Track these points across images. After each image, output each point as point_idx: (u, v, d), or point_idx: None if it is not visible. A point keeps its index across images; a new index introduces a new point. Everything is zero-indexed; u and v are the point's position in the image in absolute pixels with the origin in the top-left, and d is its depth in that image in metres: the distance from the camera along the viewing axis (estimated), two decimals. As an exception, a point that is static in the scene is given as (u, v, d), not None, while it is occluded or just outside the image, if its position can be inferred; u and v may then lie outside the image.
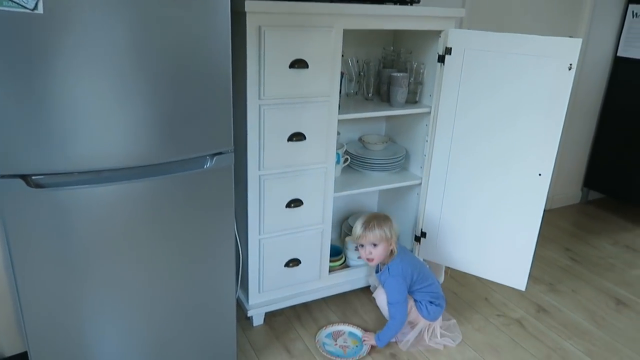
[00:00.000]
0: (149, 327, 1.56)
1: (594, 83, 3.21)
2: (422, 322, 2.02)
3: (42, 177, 1.28)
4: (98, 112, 1.27)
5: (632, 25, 3.05)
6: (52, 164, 1.27)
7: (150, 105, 1.33)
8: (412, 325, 2.03)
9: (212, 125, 1.45)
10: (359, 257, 2.10)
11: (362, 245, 1.98)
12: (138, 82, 1.29)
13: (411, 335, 2.02)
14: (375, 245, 1.95)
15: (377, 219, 1.98)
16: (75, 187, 1.32)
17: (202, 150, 1.46)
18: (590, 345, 2.10)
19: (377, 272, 2.05)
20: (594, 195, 3.57)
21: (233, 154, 1.52)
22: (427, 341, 2.02)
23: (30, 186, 1.27)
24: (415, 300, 2.02)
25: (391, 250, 1.98)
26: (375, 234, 1.94)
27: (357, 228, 1.98)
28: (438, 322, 2.06)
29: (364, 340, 2.02)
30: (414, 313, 2.01)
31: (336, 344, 2.03)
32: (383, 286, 1.99)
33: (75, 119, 1.26)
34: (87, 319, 1.45)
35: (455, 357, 1.99)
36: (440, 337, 2.05)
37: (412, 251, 2.31)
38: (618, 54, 3.15)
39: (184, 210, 1.49)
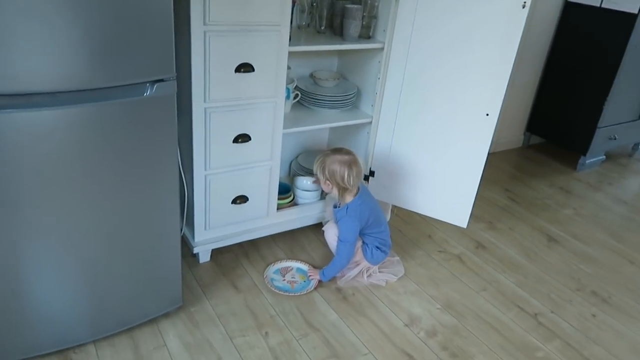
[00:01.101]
0: (90, 265, 1.50)
1: (543, 28, 3.25)
2: (364, 264, 2.07)
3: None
4: (23, 28, 1.14)
5: (584, -31, 3.07)
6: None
7: (81, 23, 1.21)
8: (356, 264, 2.07)
9: (152, 49, 1.34)
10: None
11: None
12: (65, -5, 1.16)
13: (352, 273, 2.07)
14: (326, 184, 1.96)
15: (320, 160, 1.95)
16: (1, 111, 1.19)
17: (142, 76, 1.36)
18: (522, 277, 2.24)
19: (335, 207, 2.05)
20: (535, 139, 3.71)
21: (175, 82, 1.42)
22: (364, 280, 2.08)
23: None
24: (363, 243, 2.06)
25: (348, 189, 1.95)
26: (316, 172, 1.97)
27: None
28: (377, 265, 2.12)
29: (310, 276, 2.05)
30: (359, 254, 2.06)
31: (284, 280, 2.05)
32: (337, 222, 2.00)
33: (-7, 34, 1.12)
34: (22, 256, 1.37)
35: (397, 290, 2.07)
36: (379, 274, 2.11)
37: (360, 189, 2.33)
38: (568, -1, 3.18)
39: (124, 141, 1.40)
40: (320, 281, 2.03)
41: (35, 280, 1.43)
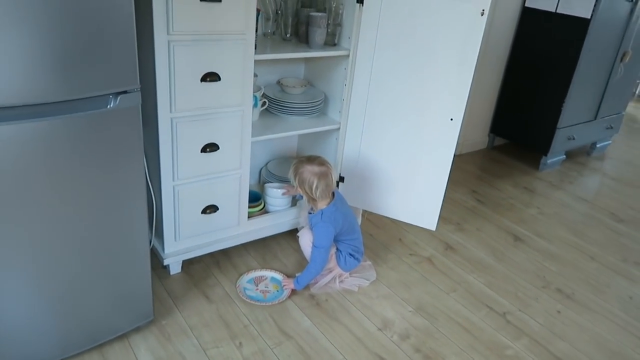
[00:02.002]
0: (57, 280, 1.46)
1: (503, 33, 3.35)
2: (337, 270, 2.09)
3: None
4: (-25, 41, 1.11)
5: (540, -24, 3.18)
6: None
7: (39, 35, 1.17)
8: (329, 270, 2.08)
9: (114, 60, 1.32)
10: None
11: None
12: (23, 7, 1.13)
13: (324, 280, 2.08)
14: (298, 190, 2.00)
15: (294, 165, 1.98)
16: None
17: (104, 88, 1.33)
18: (490, 277, 2.29)
19: (310, 212, 2.05)
20: (499, 141, 3.81)
21: (139, 93, 1.40)
22: (337, 286, 2.09)
23: None
24: (337, 249, 2.07)
25: (322, 199, 1.98)
26: (290, 176, 2.00)
27: None
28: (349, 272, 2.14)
29: (284, 285, 2.05)
30: (332, 261, 2.07)
31: (257, 289, 2.04)
32: (312, 228, 2.01)
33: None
34: (-20, 274, 1.32)
35: (370, 294, 2.09)
36: (351, 280, 2.13)
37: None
38: (526, 5, 3.29)
39: (89, 154, 1.37)
40: (293, 290, 2.03)
41: (0, 297, 1.38)
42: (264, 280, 2.10)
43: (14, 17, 1.13)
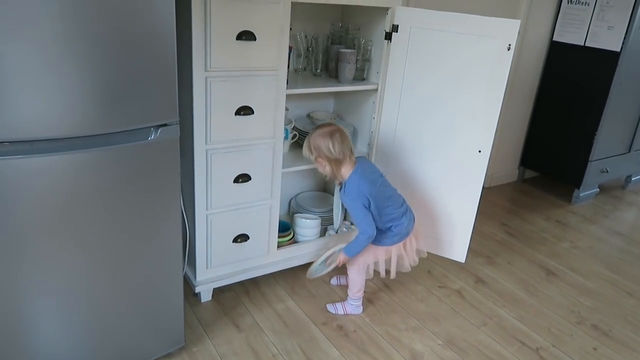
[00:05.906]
0: (92, 306, 1.52)
1: (531, 66, 3.36)
2: (394, 248, 2.01)
3: (-31, 146, 1.20)
4: (28, 77, 1.20)
5: (567, 10, 3.21)
6: (-20, 132, 1.19)
7: (87, 71, 1.27)
8: (385, 252, 2.01)
9: (156, 95, 1.40)
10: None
11: None
12: (73, 46, 1.23)
13: (381, 262, 2.03)
14: (319, 162, 1.94)
15: (311, 136, 1.93)
16: (6, 157, 1.24)
17: (146, 121, 1.42)
18: (522, 312, 2.24)
19: (340, 189, 2.01)
20: (529, 174, 3.77)
21: (178, 126, 1.48)
22: (411, 255, 2.06)
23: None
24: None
25: (339, 160, 1.90)
26: (306, 153, 1.95)
27: None
28: (413, 235, 2.04)
29: (337, 262, 2.01)
30: (380, 251, 2.00)
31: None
32: (346, 207, 1.98)
33: (2, 84, 1.17)
34: (24, 301, 1.39)
35: (399, 326, 2.07)
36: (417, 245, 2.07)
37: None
38: (554, 39, 3.31)
39: (128, 184, 1.45)
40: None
41: (38, 322, 1.44)
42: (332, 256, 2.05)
43: (66, 57, 1.23)
